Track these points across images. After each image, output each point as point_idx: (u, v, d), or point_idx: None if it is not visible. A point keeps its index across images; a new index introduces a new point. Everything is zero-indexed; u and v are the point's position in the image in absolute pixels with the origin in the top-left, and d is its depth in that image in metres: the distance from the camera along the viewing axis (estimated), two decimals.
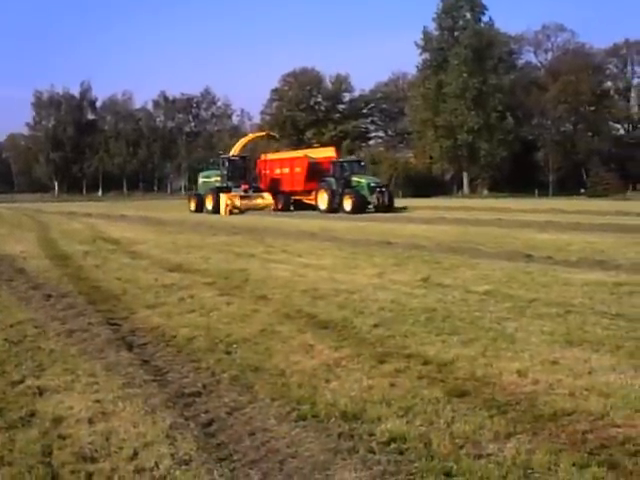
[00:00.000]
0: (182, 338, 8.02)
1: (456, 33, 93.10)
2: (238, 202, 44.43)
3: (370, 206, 42.89)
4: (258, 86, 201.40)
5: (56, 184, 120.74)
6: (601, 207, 43.35)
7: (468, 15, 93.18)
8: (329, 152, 51.22)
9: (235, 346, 7.56)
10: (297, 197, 48.57)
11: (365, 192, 42.98)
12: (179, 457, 4.68)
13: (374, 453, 4.69)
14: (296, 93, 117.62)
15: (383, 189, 44.23)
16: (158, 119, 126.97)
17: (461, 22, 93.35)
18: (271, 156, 53.97)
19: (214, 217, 40.10)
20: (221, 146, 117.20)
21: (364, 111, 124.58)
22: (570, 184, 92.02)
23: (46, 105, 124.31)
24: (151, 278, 12.87)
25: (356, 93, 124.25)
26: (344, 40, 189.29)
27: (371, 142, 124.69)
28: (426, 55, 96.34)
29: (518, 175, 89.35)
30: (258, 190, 48.06)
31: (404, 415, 5.35)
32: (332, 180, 44.28)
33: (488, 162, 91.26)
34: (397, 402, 5.64)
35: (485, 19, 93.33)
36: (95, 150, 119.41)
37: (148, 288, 11.71)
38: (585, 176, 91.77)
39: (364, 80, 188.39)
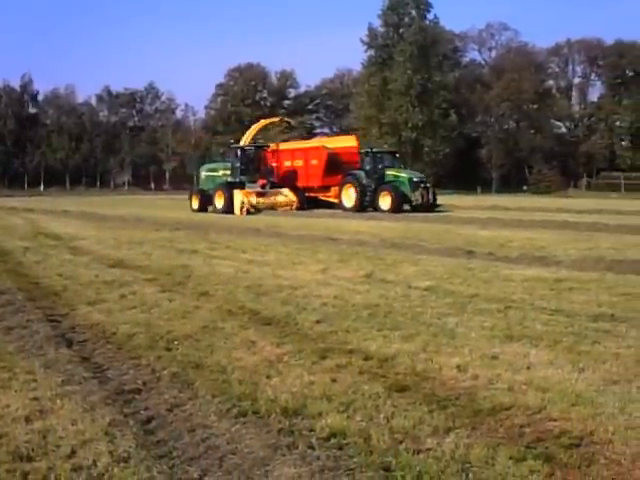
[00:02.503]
0: (122, 335, 7.94)
1: (401, 30, 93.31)
2: (255, 200, 38.25)
3: (407, 205, 37.30)
4: (203, 81, 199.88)
5: None
6: (543, 204, 44.00)
7: (413, 12, 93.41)
8: (349, 141, 44.86)
9: (176, 343, 7.51)
10: (313, 194, 41.63)
11: (406, 188, 36.96)
12: (118, 454, 4.62)
13: (314, 449, 4.70)
14: (241, 88, 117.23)
15: (427, 185, 38.17)
16: (101, 113, 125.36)
17: (406, 19, 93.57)
18: (283, 146, 45.72)
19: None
20: (165, 141, 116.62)
21: (309, 107, 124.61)
22: (513, 181, 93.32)
23: None
24: (92, 274, 12.71)
25: (301, 89, 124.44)
26: (290, 36, 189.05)
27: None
28: (371, 52, 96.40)
29: (461, 172, 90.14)
30: (274, 185, 41.14)
31: (344, 410, 5.37)
32: (361, 174, 38.46)
33: (432, 159, 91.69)
34: (338, 397, 5.65)
35: (430, 16, 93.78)
36: (37, 144, 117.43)
37: (89, 284, 11.57)
38: (527, 173, 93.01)
39: (310, 76, 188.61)
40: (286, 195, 39.98)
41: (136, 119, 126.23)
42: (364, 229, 23.80)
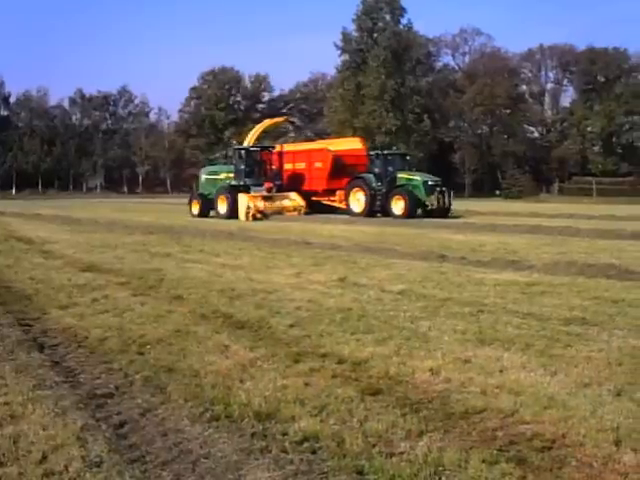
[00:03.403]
0: (95, 339, 7.91)
1: (375, 35, 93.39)
2: (262, 204, 35.77)
3: (420, 209, 35.31)
4: (177, 84, 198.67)
5: None
6: (515, 208, 44.25)
7: (387, 17, 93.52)
8: (354, 143, 43.07)
9: (149, 347, 7.49)
10: (316, 198, 39.51)
11: (420, 192, 34.83)
12: (90, 459, 4.60)
13: (287, 452, 4.70)
14: (215, 92, 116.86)
15: (444, 189, 35.88)
16: (74, 116, 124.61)
17: (380, 24, 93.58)
18: (287, 147, 43.13)
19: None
20: (138, 144, 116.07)
21: (283, 111, 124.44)
22: (486, 185, 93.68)
23: None
24: (64, 278, 12.64)
25: (275, 93, 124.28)
26: (264, 39, 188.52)
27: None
28: (345, 56, 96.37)
29: (435, 176, 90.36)
30: (280, 189, 38.66)
31: (318, 414, 5.37)
32: (371, 177, 36.38)
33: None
34: (311, 401, 5.66)
35: (404, 21, 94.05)
36: (9, 147, 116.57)
37: (61, 288, 11.50)
38: (500, 178, 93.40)
39: (284, 80, 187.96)
40: (293, 199, 37.87)
41: (109, 122, 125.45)
42: (338, 233, 23.83)
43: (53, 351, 7.48)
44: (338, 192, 38.51)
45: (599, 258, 15.26)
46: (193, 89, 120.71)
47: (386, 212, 35.11)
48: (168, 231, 24.81)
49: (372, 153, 38.35)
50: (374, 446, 4.79)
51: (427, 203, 34.78)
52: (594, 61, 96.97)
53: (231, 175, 38.12)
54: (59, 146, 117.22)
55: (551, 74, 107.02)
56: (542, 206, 52.53)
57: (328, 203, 39.31)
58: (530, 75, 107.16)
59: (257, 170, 37.84)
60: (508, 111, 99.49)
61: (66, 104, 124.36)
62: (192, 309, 9.63)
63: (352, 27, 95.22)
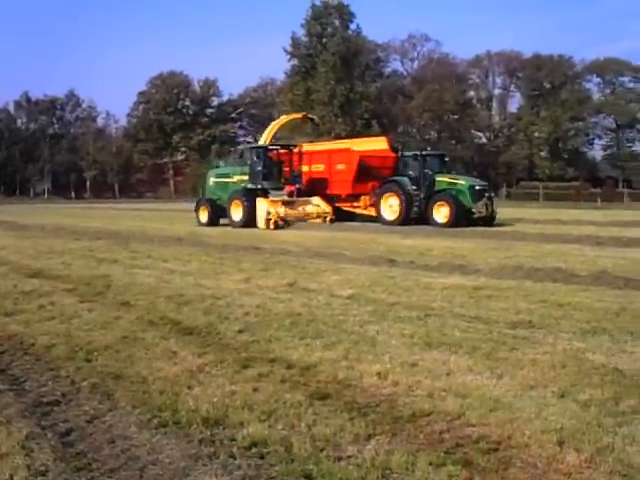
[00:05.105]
0: (41, 346, 7.82)
1: (324, 40, 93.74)
2: (283, 210, 31.74)
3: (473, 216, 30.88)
4: (125, 89, 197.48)
5: None
6: None
7: (337, 22, 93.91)
8: (380, 143, 37.19)
9: (96, 354, 7.42)
10: (339, 204, 35.05)
11: (465, 198, 30.96)
12: (35, 468, 4.55)
13: (235, 458, 4.70)
14: (163, 96, 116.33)
15: (492, 194, 32.85)
16: (20, 121, 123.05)
17: (329, 29, 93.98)
18: (306, 147, 37.01)
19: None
20: (86, 149, 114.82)
21: (233, 116, 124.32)
22: None
23: None
24: (10, 285, 12.47)
25: (225, 98, 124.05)
26: (213, 44, 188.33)
27: (240, 147, 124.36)
28: (294, 61, 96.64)
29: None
30: (301, 193, 34.43)
31: (266, 419, 5.38)
32: (406, 180, 32.30)
33: None
34: (259, 407, 5.66)
35: (353, 27, 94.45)
36: None
37: (6, 295, 11.35)
38: None
39: (233, 85, 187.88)
40: (317, 205, 33.49)
41: (56, 127, 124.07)
42: (288, 238, 23.82)
43: None
44: (363, 197, 34.74)
45: (545, 262, 15.47)
46: (141, 93, 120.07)
47: (424, 220, 31.29)
48: (116, 237, 24.52)
49: (408, 154, 34.41)
50: (322, 450, 4.81)
51: (474, 210, 30.76)
52: (540, 68, 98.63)
53: (245, 177, 33.63)
54: (4, 151, 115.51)
55: (498, 80, 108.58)
56: None
57: (350, 210, 35.32)
58: (478, 81, 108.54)
59: (276, 172, 33.66)
60: (456, 117, 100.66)
61: (11, 108, 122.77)
62: (140, 315, 9.56)
63: (301, 32, 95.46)
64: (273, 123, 40.43)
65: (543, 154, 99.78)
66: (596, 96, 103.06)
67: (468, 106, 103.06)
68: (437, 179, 32.03)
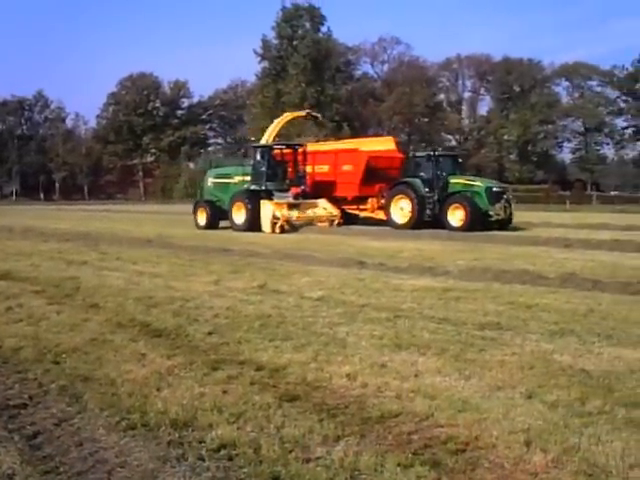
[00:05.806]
0: (8, 348, 7.76)
1: (295, 42, 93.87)
2: (288, 213, 30.20)
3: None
4: (94, 90, 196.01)
5: None
6: None
7: (307, 25, 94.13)
8: (387, 144, 36.16)
9: (64, 356, 7.37)
10: (345, 206, 33.64)
11: (481, 200, 29.48)
12: (2, 471, 4.54)
13: (203, 460, 4.70)
14: (133, 98, 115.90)
15: (510, 197, 30.94)
16: None
17: (300, 31, 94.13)
18: (310, 147, 35.03)
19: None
20: (55, 150, 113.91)
21: (203, 117, 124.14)
22: None
23: None
24: None
25: (195, 99, 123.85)
26: (183, 46, 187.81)
27: (210, 148, 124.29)
28: (265, 63, 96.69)
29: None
30: (306, 195, 32.86)
31: (235, 421, 5.38)
32: (418, 182, 30.66)
33: None
34: (228, 409, 5.65)
35: (324, 29, 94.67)
36: None
37: None
38: None
39: (203, 87, 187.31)
40: (325, 208, 32.25)
41: (24, 128, 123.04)
42: (257, 240, 23.81)
43: None
44: (370, 200, 33.30)
45: (513, 264, 15.56)
46: (111, 95, 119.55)
47: (439, 223, 29.84)
48: (84, 238, 24.35)
49: (421, 154, 33.31)
50: (291, 452, 4.82)
51: (491, 213, 29.22)
52: (510, 71, 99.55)
53: (247, 178, 32.11)
54: None
55: (468, 83, 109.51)
56: None
57: (355, 212, 34.06)
58: (448, 84, 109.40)
59: (281, 172, 32.10)
60: (426, 119, 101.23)
61: None
62: (109, 318, 9.50)
63: (272, 34, 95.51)
64: (276, 121, 38.70)
65: (512, 157, 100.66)
66: (565, 100, 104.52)
67: (438, 109, 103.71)
68: (452, 181, 30.67)
